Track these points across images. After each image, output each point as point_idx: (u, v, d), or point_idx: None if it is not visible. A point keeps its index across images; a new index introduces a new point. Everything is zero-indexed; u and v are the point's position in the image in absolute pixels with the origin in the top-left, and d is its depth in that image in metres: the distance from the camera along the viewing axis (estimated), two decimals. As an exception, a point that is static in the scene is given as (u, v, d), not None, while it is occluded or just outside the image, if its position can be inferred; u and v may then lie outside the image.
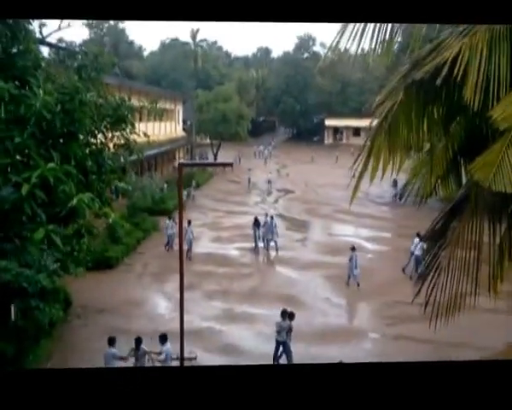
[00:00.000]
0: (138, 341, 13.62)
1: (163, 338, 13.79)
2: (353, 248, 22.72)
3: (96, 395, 1.97)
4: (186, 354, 13.69)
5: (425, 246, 10.76)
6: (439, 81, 6.89)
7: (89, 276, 18.53)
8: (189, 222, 26.34)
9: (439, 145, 8.66)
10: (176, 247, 22.92)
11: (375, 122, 8.53)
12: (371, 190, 27.84)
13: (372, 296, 20.84)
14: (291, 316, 15.50)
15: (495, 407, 1.97)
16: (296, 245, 29.73)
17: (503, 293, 11.17)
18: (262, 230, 28.35)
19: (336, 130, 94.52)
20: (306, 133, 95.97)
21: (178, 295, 13.26)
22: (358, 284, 21.98)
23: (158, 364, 13.40)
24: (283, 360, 15.11)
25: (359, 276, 22.08)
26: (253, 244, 28.26)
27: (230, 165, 17.84)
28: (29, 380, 2.02)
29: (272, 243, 27.86)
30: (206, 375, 2.06)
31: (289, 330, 15.30)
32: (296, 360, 14.95)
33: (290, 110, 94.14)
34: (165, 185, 39.74)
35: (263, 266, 26.01)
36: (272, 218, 29.15)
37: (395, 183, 36.10)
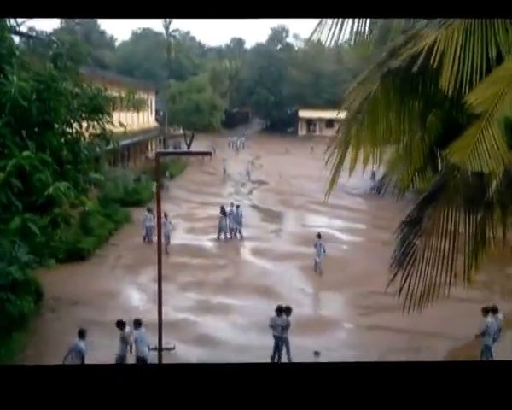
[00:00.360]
0: (120, 324, 13.93)
1: (137, 323, 14.05)
2: (319, 236, 23.32)
3: (80, 391, 1.94)
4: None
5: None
6: (415, 68, 6.95)
7: (61, 267, 18.32)
8: (166, 215, 26.00)
9: (416, 137, 8.72)
10: (154, 238, 22.86)
11: (349, 111, 8.54)
12: (346, 180, 27.99)
13: (347, 287, 20.99)
14: (287, 311, 15.17)
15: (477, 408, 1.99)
16: (270, 236, 29.79)
17: (478, 283, 11.37)
18: (228, 219, 28.51)
19: (310, 121, 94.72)
20: (280, 125, 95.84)
21: (153, 287, 13.20)
22: (316, 270, 22.58)
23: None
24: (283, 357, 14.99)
25: (321, 263, 22.61)
26: (222, 234, 28.39)
27: (209, 154, 17.79)
28: (4, 376, 1.98)
29: (238, 234, 28.42)
30: (194, 373, 2.05)
31: (286, 325, 14.94)
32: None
33: (264, 101, 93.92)
34: (143, 176, 39.43)
35: (237, 257, 25.99)
36: (238, 207, 29.29)
37: (373, 175, 36.24)
